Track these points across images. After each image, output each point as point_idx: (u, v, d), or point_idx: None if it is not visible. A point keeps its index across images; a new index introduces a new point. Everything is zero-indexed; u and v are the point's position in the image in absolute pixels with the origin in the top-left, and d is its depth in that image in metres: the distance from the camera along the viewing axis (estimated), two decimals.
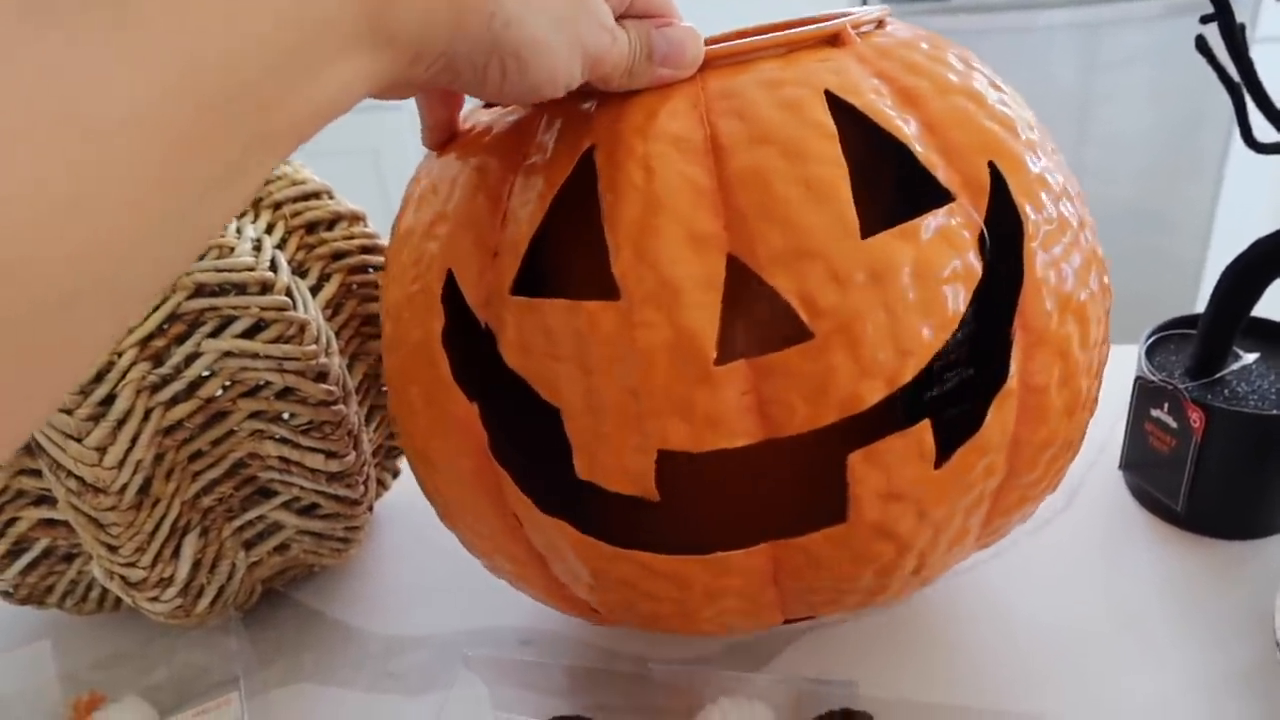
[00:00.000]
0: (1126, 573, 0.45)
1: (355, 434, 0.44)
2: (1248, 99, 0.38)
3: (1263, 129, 0.39)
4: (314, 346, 0.42)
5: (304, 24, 0.21)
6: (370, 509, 0.48)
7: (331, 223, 0.46)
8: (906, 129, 0.31)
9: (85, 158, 0.17)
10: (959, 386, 0.32)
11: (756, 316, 0.30)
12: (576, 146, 0.32)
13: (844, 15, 0.34)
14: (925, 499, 0.32)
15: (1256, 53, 1.24)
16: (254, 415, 0.42)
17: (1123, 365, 0.48)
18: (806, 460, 0.31)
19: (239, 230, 0.42)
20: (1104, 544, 0.47)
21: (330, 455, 0.44)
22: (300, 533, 0.46)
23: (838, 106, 0.30)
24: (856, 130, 0.30)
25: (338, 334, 0.46)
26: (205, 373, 0.41)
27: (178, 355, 0.40)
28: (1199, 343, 0.45)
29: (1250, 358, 0.45)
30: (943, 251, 0.30)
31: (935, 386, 0.32)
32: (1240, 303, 0.43)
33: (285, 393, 0.42)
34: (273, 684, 0.45)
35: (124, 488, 0.39)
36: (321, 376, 0.42)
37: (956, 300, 0.30)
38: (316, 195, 0.46)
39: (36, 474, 0.42)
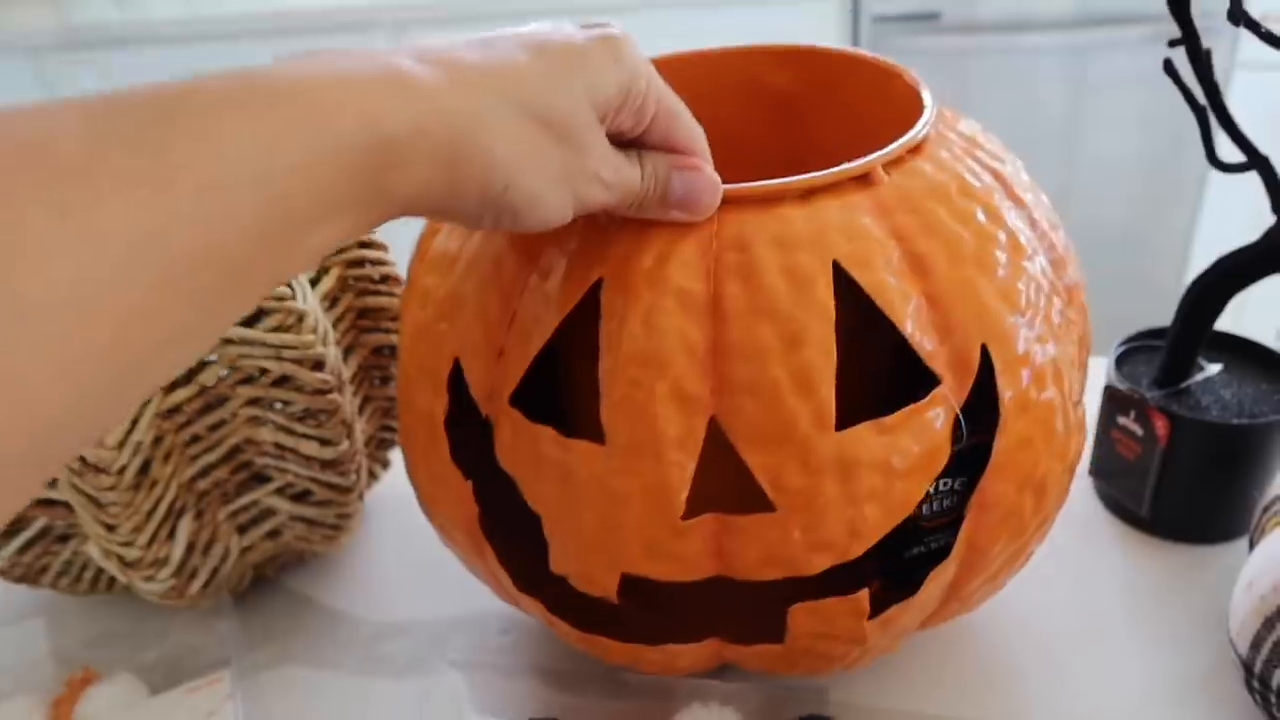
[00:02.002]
0: (1093, 575, 0.47)
1: (349, 423, 0.46)
2: (1212, 121, 0.40)
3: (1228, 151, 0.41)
4: (311, 336, 0.43)
5: (289, 199, 0.21)
6: (361, 497, 0.49)
7: None
8: (907, 307, 0.31)
9: (12, 335, 0.17)
10: (903, 560, 0.35)
11: (726, 479, 0.31)
12: (587, 273, 0.32)
13: (880, 153, 0.33)
14: (858, 637, 0.35)
15: (1238, 78, 1.27)
16: (251, 402, 0.44)
17: (1093, 375, 0.50)
18: (752, 598, 0.34)
19: None
20: (1071, 547, 0.49)
21: (324, 443, 0.45)
22: (293, 518, 0.47)
23: (843, 277, 0.31)
24: (857, 303, 0.31)
25: (334, 325, 0.47)
26: (203, 359, 0.42)
27: None
28: (1166, 354, 0.47)
29: (1214, 369, 0.47)
30: (914, 444, 0.31)
31: (880, 560, 0.34)
32: (1205, 316, 0.45)
33: (282, 380, 0.43)
34: (262, 666, 0.46)
35: (124, 468, 0.40)
36: (318, 365, 0.43)
37: (918, 489, 0.32)
38: None
39: None
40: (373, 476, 0.54)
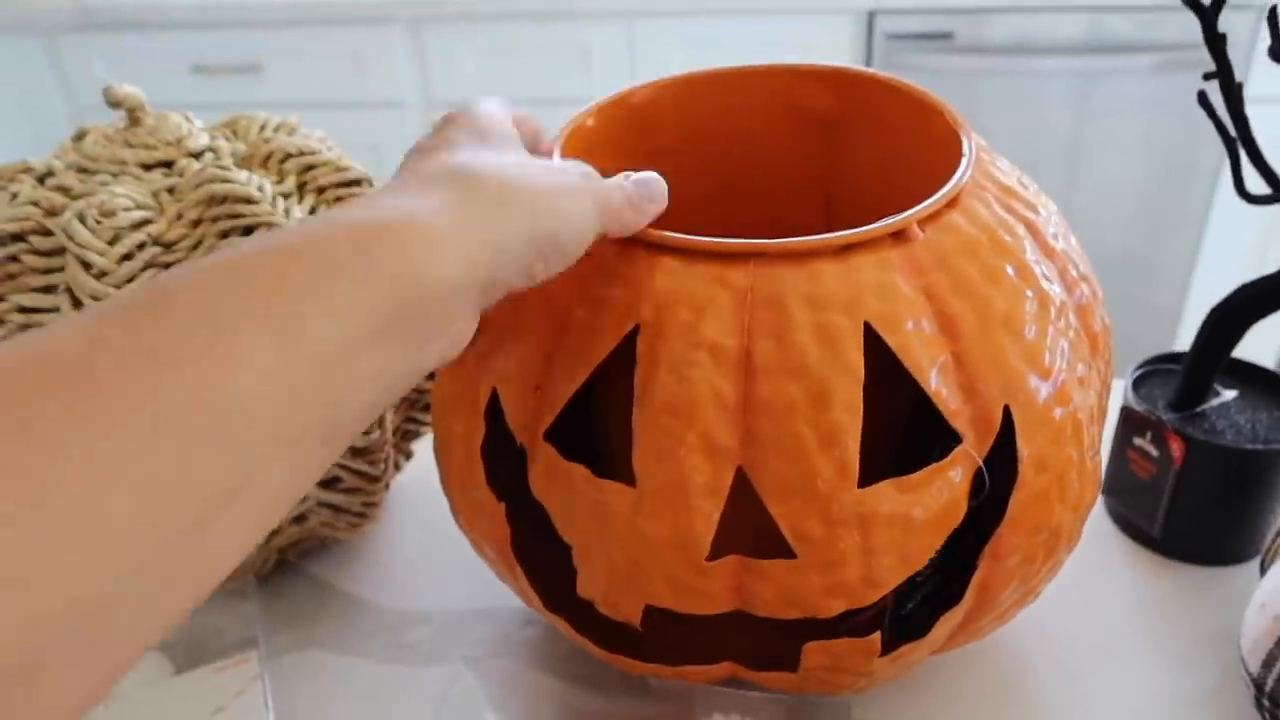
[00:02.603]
0: (1104, 593, 0.48)
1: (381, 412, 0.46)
2: (1242, 153, 0.41)
3: (1254, 181, 0.42)
4: None
5: (351, 359, 0.23)
6: (387, 486, 0.50)
7: None
8: (934, 367, 0.32)
9: (35, 549, 0.18)
10: (915, 605, 0.37)
11: (750, 526, 0.32)
12: (624, 320, 0.33)
13: (917, 209, 0.34)
14: (868, 672, 0.37)
15: (1248, 111, 1.27)
16: None
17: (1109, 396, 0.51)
18: (769, 633, 0.35)
19: (287, 212, 0.44)
20: (1083, 565, 0.49)
21: None
22: (320, 504, 0.48)
23: (873, 335, 0.32)
24: (885, 360, 0.32)
25: None
26: None
27: None
28: (1182, 378, 0.48)
29: (1229, 395, 0.48)
30: (934, 501, 0.32)
31: (894, 606, 0.36)
32: (1223, 343, 0.46)
33: None
34: (286, 649, 0.46)
35: None
36: None
37: (933, 543, 0.33)
38: (358, 182, 0.48)
39: None
40: (396, 467, 0.54)
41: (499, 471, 0.37)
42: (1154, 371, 0.51)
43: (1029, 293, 0.34)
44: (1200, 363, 0.47)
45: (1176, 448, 0.46)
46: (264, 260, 0.23)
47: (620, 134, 0.45)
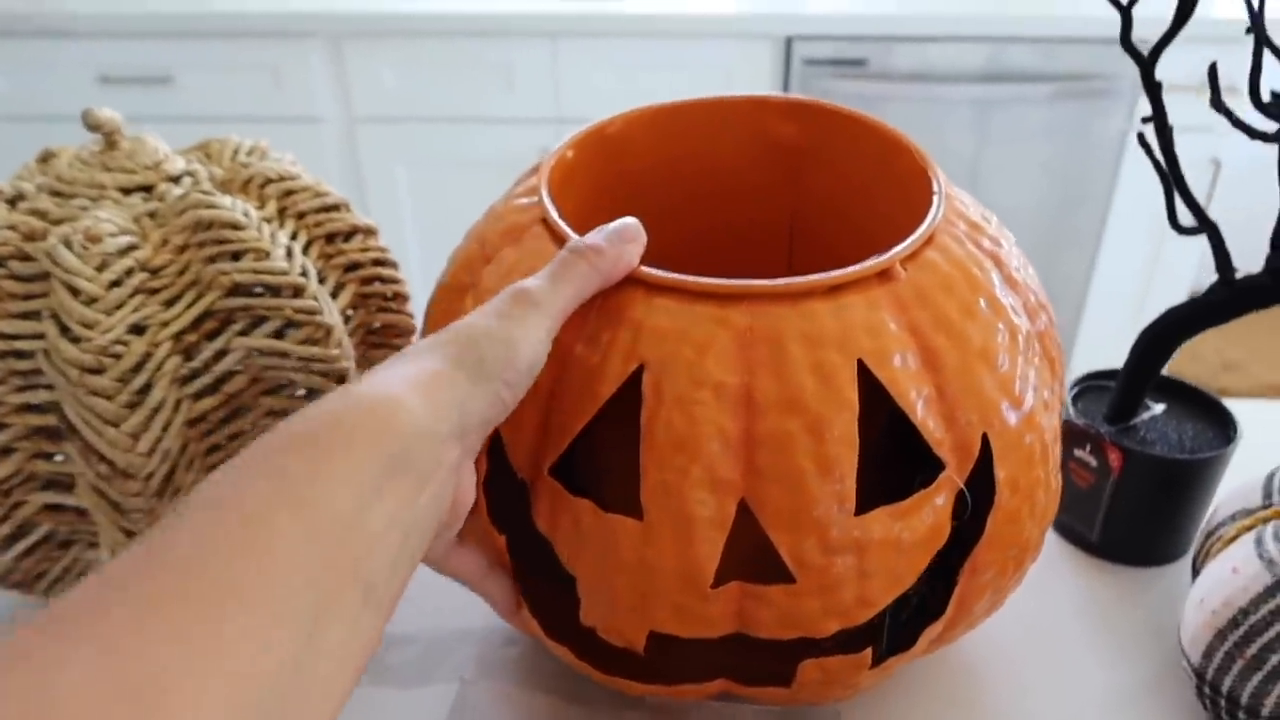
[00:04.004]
0: (1049, 595, 0.52)
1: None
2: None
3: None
4: (338, 350, 0.44)
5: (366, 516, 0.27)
6: None
7: (349, 234, 0.48)
8: (920, 400, 0.34)
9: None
10: (900, 622, 0.39)
11: (752, 553, 0.34)
12: (628, 360, 0.34)
13: (899, 249, 0.36)
14: (857, 683, 0.39)
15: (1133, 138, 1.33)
16: (272, 413, 0.44)
17: None
18: (766, 652, 0.37)
19: (272, 237, 0.44)
20: (1029, 570, 0.53)
21: None
22: None
23: (865, 370, 0.34)
24: (875, 394, 0.34)
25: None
26: (231, 369, 0.43)
27: (208, 351, 0.42)
28: (1117, 394, 0.52)
29: (1159, 408, 0.52)
30: (923, 524, 0.35)
31: (883, 622, 0.38)
32: (1154, 361, 0.50)
33: (307, 393, 0.44)
34: None
35: (150, 475, 0.40)
36: (341, 379, 0.44)
37: (921, 563, 0.36)
38: (336, 208, 0.48)
39: (51, 458, 0.42)
40: None
41: (500, 505, 0.38)
42: (1089, 387, 0.55)
43: (1000, 325, 0.36)
44: (1133, 379, 0.51)
45: (1115, 459, 0.50)
46: (287, 449, 0.27)
47: (597, 164, 0.46)
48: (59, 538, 0.45)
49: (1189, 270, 1.67)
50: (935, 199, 0.39)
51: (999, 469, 0.36)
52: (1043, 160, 1.60)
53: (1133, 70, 0.42)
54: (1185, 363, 2.05)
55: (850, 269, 0.34)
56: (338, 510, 0.26)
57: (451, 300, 0.40)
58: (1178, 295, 1.70)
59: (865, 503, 0.34)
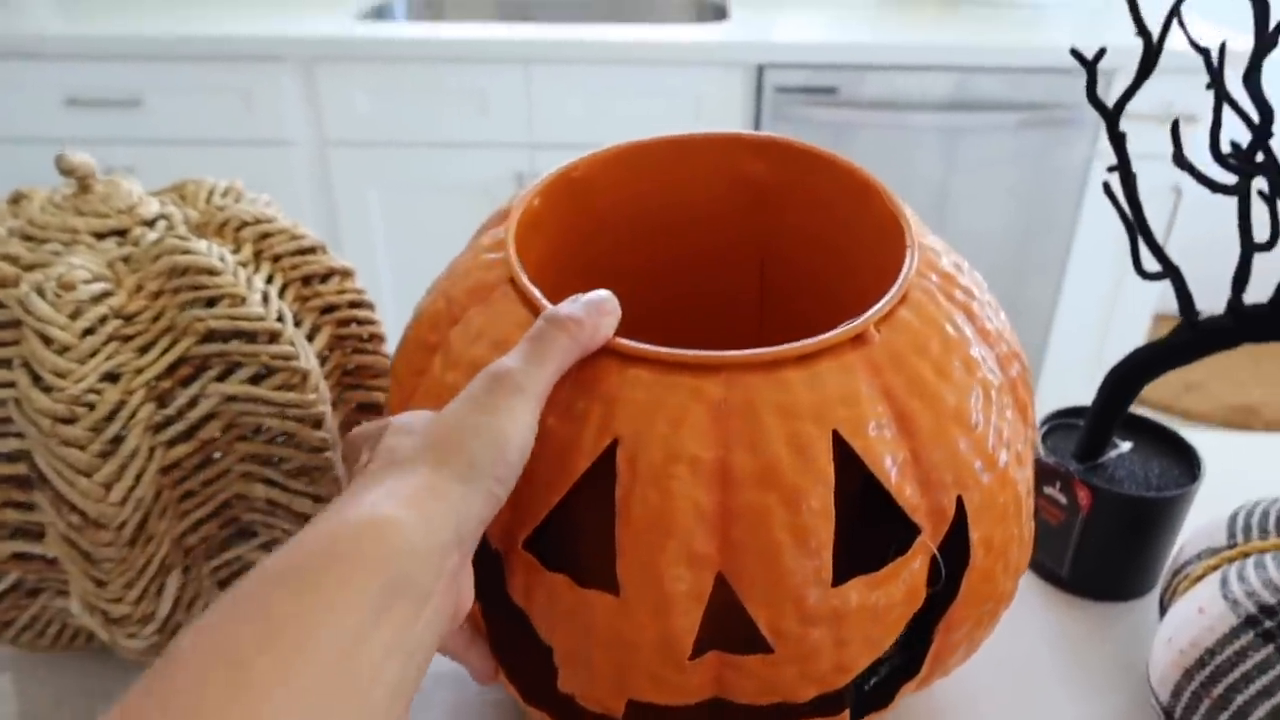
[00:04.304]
0: (1019, 630, 0.52)
1: (340, 479, 0.46)
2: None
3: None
4: (314, 395, 0.44)
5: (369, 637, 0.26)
6: None
7: (325, 277, 0.48)
8: (895, 466, 0.34)
9: None
10: (877, 682, 0.39)
11: (730, 625, 0.34)
12: (602, 432, 0.34)
13: (871, 312, 0.35)
14: None
15: (1095, 167, 1.40)
16: (246, 458, 0.44)
17: None
18: (745, 715, 0.37)
19: (248, 281, 0.43)
20: None
21: (317, 499, 0.45)
22: None
23: (841, 442, 0.33)
24: (853, 464, 0.33)
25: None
26: (206, 415, 0.42)
27: (182, 398, 0.41)
28: (1085, 432, 0.53)
29: (1126, 446, 0.53)
30: (899, 590, 0.35)
31: (859, 686, 0.38)
32: (1120, 400, 0.51)
33: (282, 438, 0.44)
34: None
35: (123, 524, 0.40)
36: (318, 424, 0.44)
37: (896, 627, 0.36)
38: (313, 250, 0.48)
39: (21, 507, 0.42)
40: None
41: (476, 575, 0.37)
42: (1059, 425, 0.56)
43: (974, 385, 0.36)
44: (1101, 418, 0.52)
45: (1084, 496, 0.51)
46: (275, 585, 0.26)
47: (564, 208, 0.46)
48: (27, 586, 0.44)
49: (1153, 294, 1.70)
50: (908, 253, 0.39)
51: (973, 530, 0.36)
52: (1009, 186, 1.63)
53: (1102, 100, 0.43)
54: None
55: (824, 336, 0.34)
56: (329, 649, 0.25)
57: (419, 358, 0.40)
58: (1143, 319, 1.73)
59: (842, 573, 0.33)
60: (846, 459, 0.33)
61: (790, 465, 0.32)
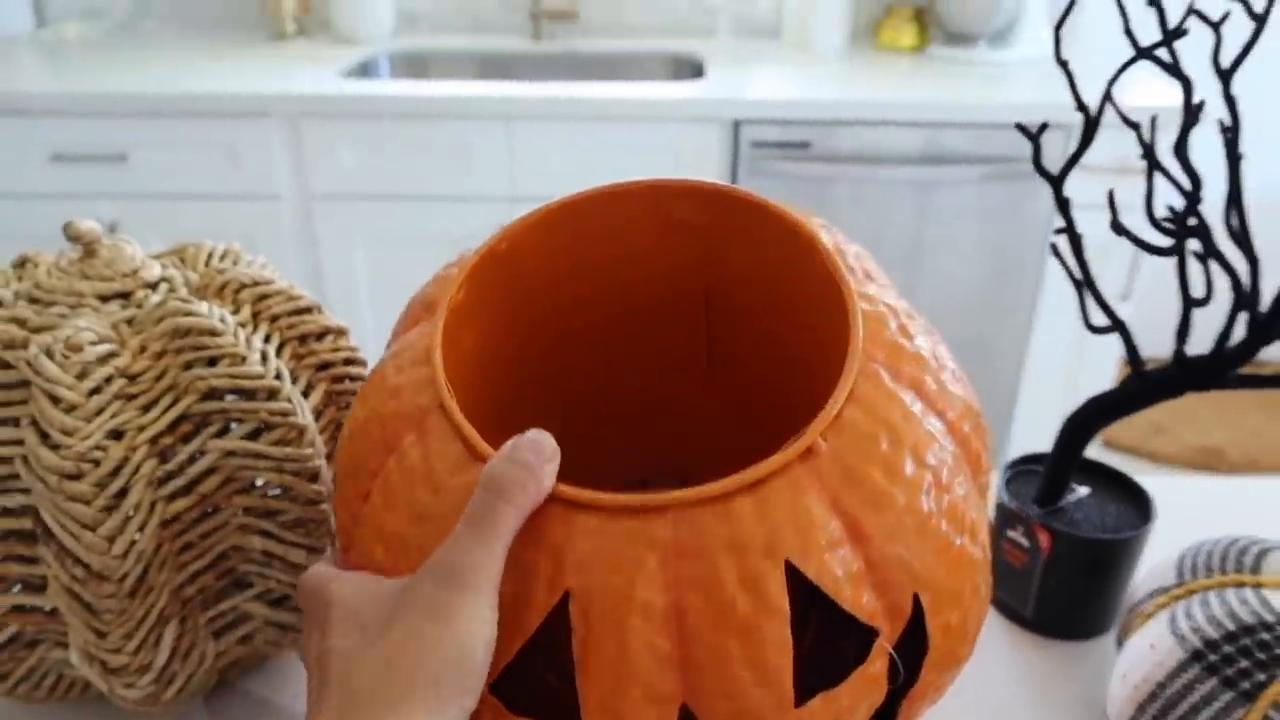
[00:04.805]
0: (985, 669, 0.54)
1: (333, 531, 0.48)
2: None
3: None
4: (311, 450, 0.46)
5: None
6: None
7: (320, 335, 0.50)
8: (849, 583, 0.33)
9: None
10: None
11: None
12: (553, 587, 0.33)
13: (818, 421, 0.35)
14: None
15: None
16: (244, 511, 0.46)
17: None
18: None
19: (247, 341, 0.46)
20: None
21: (311, 550, 0.47)
22: (268, 623, 0.49)
23: (794, 569, 0.33)
24: (807, 586, 0.33)
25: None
26: (206, 470, 0.44)
27: (183, 453, 0.43)
28: (1045, 478, 0.55)
29: (1083, 491, 0.56)
30: (861, 696, 0.35)
31: None
32: (1076, 447, 0.54)
33: (278, 491, 0.46)
34: None
35: (125, 576, 0.42)
36: (314, 477, 0.46)
37: None
38: (309, 310, 0.50)
39: (24, 560, 0.44)
40: None
41: None
42: (1022, 471, 0.59)
43: (926, 475, 0.35)
44: (1059, 464, 0.54)
45: (1044, 539, 0.53)
46: None
47: (495, 286, 0.45)
48: (25, 638, 0.46)
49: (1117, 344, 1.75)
50: (851, 337, 0.37)
51: (931, 620, 0.35)
52: (978, 236, 1.68)
53: (1058, 156, 0.46)
54: (1118, 427, 2.13)
55: (770, 461, 0.33)
56: None
57: (359, 481, 0.39)
58: (1110, 363, 1.77)
59: (804, 692, 0.34)
60: (800, 582, 0.33)
61: (745, 604, 0.32)
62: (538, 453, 0.33)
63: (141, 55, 1.79)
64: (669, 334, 0.52)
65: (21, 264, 0.49)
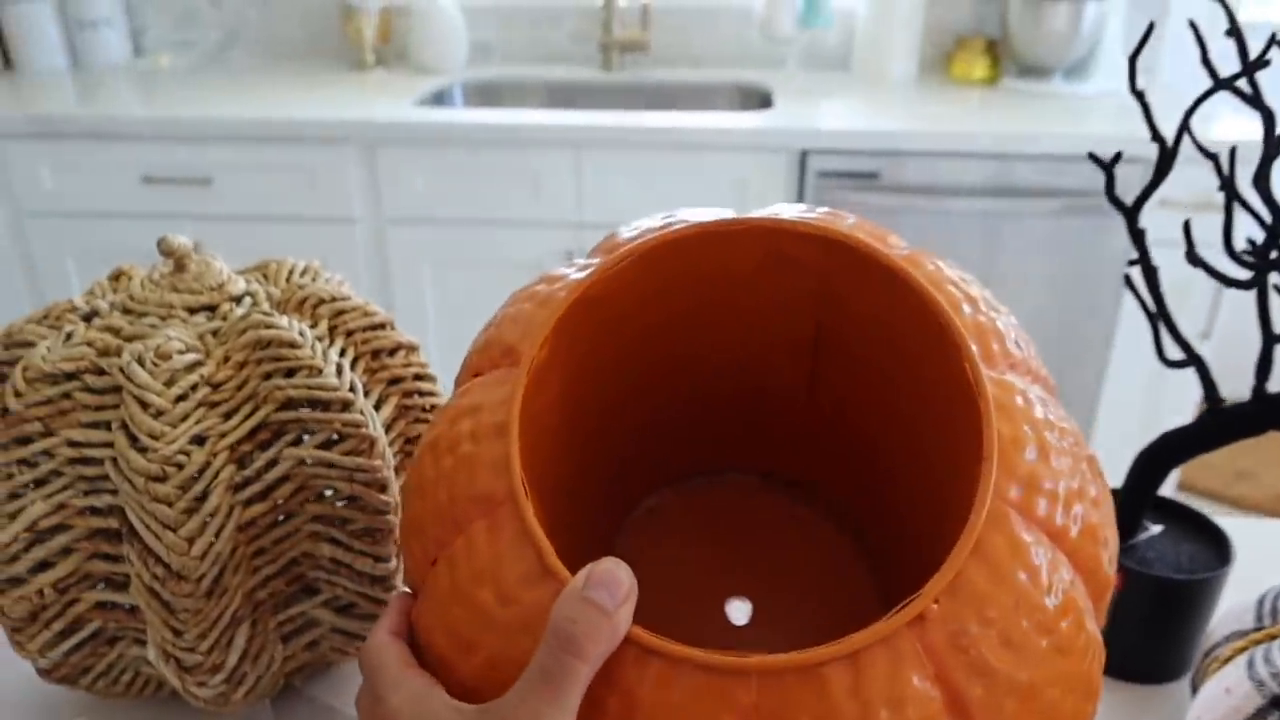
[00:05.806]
0: None
1: (399, 542, 0.49)
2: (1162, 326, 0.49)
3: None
4: (380, 461, 0.47)
5: None
6: None
7: (393, 350, 0.52)
8: None
9: None
10: None
11: None
12: None
13: (933, 583, 0.31)
14: None
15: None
16: (315, 518, 0.47)
17: None
18: None
19: (324, 354, 0.47)
20: None
21: (378, 559, 0.48)
22: (333, 630, 0.50)
23: None
24: None
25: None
26: (281, 477, 0.46)
27: (260, 460, 0.45)
28: (1117, 515, 0.54)
29: (1156, 529, 0.55)
30: None
31: None
32: (1149, 483, 0.53)
33: (349, 500, 0.47)
34: None
35: (202, 577, 0.43)
36: (383, 488, 0.47)
37: None
38: (382, 326, 0.52)
39: (108, 558, 0.45)
40: None
41: None
42: None
43: (1044, 643, 0.31)
44: (1131, 501, 0.53)
45: (1117, 579, 0.52)
46: None
47: (582, 331, 0.42)
48: (107, 634, 0.47)
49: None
50: (981, 488, 0.32)
51: None
52: (1051, 271, 1.65)
53: (1135, 190, 0.45)
54: (1198, 471, 2.06)
55: (874, 629, 0.30)
56: None
57: (424, 545, 0.38)
58: (1188, 404, 1.72)
59: None
60: None
61: None
62: (614, 592, 0.30)
63: (229, 83, 1.87)
64: (769, 359, 0.49)
65: (117, 277, 0.51)
